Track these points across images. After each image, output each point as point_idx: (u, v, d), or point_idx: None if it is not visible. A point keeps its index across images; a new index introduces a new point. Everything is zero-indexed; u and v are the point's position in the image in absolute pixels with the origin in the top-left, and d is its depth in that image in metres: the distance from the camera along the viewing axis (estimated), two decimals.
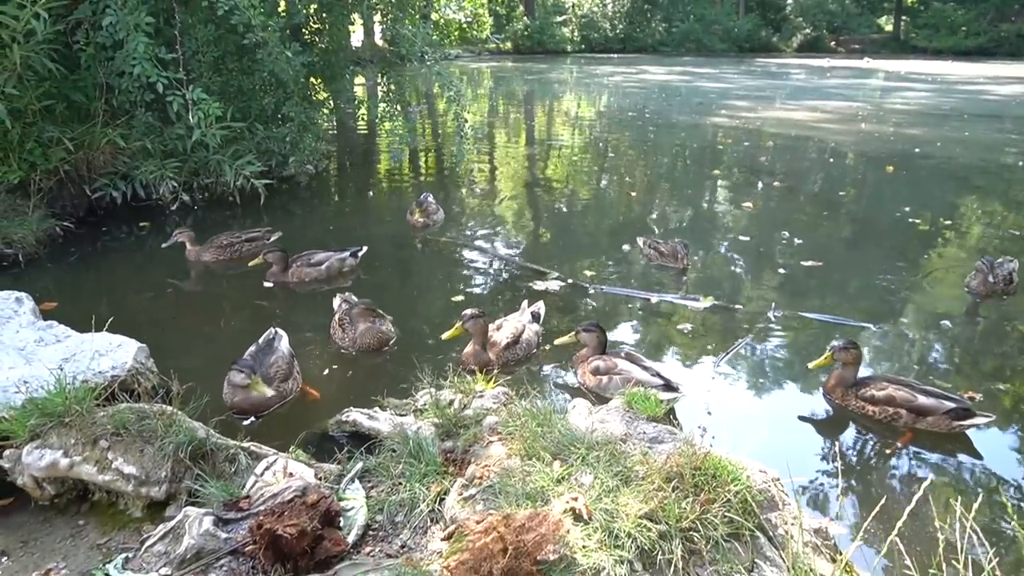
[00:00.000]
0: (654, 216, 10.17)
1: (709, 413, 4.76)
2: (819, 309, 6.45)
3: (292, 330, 5.58)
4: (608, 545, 2.59)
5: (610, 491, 2.83)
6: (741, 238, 8.86)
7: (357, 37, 24.06)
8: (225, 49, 9.53)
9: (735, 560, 2.62)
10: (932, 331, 6.23)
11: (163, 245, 7.50)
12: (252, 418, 4.60)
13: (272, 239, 7.85)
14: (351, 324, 5.62)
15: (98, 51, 8.19)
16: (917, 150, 14.69)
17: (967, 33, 46.87)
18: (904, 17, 52.90)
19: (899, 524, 1.99)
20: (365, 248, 7.43)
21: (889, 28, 54.16)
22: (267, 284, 6.98)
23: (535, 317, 5.81)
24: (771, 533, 2.82)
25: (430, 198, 9.16)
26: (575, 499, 2.75)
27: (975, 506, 2.01)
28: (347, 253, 7.28)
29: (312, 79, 11.87)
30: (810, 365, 5.00)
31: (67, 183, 8.51)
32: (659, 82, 29.98)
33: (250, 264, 7.03)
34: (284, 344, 5.06)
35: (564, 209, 10.51)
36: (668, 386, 4.66)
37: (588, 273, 7.38)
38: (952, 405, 4.52)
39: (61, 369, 3.83)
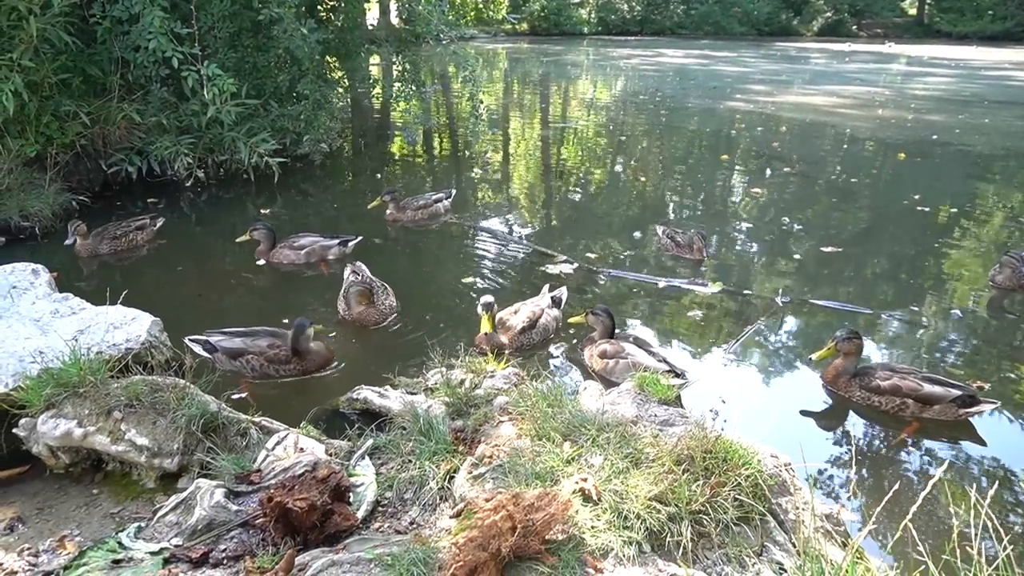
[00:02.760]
0: (666, 200, 10.09)
1: (723, 401, 4.74)
2: (831, 297, 6.39)
3: (300, 309, 5.60)
4: (617, 526, 2.59)
5: (620, 472, 2.82)
6: (750, 224, 8.78)
7: (373, 15, 23.93)
8: (240, 25, 9.48)
9: (744, 543, 2.61)
10: (950, 321, 6.15)
11: (67, 243, 6.89)
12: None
13: (157, 225, 7.55)
14: (351, 302, 5.70)
15: (114, 25, 8.18)
16: (935, 137, 14.45)
17: (993, 17, 45.79)
18: (928, 0, 51.84)
19: (913, 510, 1.97)
20: (359, 238, 7.28)
21: (913, 12, 53.08)
22: (259, 262, 7.01)
23: (555, 302, 5.76)
24: (781, 517, 2.81)
25: (438, 196, 8.64)
26: (584, 480, 2.75)
27: (990, 494, 1.99)
28: (336, 241, 7.11)
29: (327, 57, 11.81)
30: (813, 357, 4.95)
31: (83, 157, 8.55)
32: (676, 65, 29.62)
33: (237, 240, 7.06)
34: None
35: (577, 192, 10.45)
36: (673, 372, 4.64)
37: (592, 255, 7.35)
38: (958, 393, 4.48)
39: (76, 340, 3.87)
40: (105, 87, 8.69)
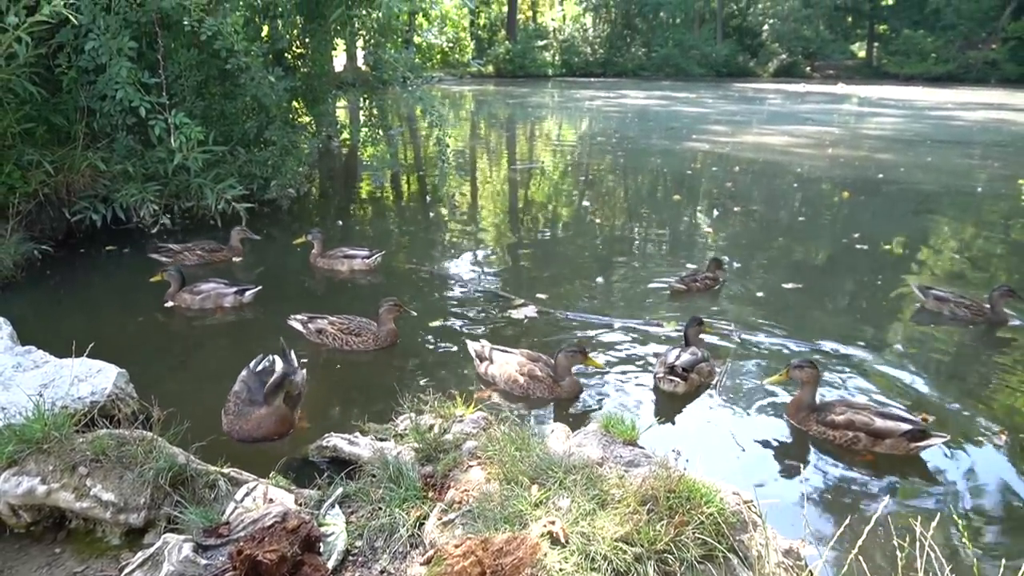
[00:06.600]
0: (631, 239, 10.33)
1: (683, 442, 4.83)
2: (795, 332, 6.58)
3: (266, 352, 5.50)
4: (584, 568, 2.64)
5: (587, 514, 2.88)
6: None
7: (340, 61, 24.22)
8: (208, 73, 9.59)
9: None
10: (904, 356, 6.37)
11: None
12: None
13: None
14: (375, 324, 6.17)
15: (80, 75, 8.21)
16: (881, 176, 15.04)
17: (937, 60, 48.24)
18: (876, 44, 54.33)
19: (859, 544, 2.07)
20: (259, 288, 7.15)
21: (862, 54, 55.57)
22: (166, 304, 7.00)
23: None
24: (743, 554, 2.89)
25: (352, 253, 8.31)
26: (552, 523, 2.80)
27: (932, 526, 2.10)
28: (232, 290, 7.04)
29: (295, 103, 11.95)
30: (766, 381, 5.11)
31: (46, 206, 8.47)
32: (638, 107, 30.46)
33: (151, 280, 7.09)
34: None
35: (544, 232, 10.64)
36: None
37: (543, 296, 7.48)
38: (908, 427, 4.62)
39: (40, 395, 3.83)
40: (70, 135, 8.67)
